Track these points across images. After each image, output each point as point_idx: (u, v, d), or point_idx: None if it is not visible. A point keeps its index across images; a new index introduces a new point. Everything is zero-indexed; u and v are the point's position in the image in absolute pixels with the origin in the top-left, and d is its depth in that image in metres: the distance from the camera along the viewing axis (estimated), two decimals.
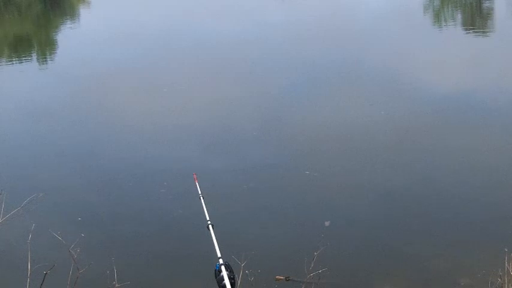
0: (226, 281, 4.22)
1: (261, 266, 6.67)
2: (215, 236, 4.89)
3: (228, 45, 19.11)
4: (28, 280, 5.54)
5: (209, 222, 5.05)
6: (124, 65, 17.51)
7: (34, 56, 21.26)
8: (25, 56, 21.01)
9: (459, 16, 23.10)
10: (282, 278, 6.97)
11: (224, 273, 4.31)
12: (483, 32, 19.46)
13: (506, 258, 6.06)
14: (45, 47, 22.86)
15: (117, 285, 6.07)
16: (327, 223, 8.13)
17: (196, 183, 5.76)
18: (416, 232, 7.89)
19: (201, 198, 5.47)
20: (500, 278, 6.07)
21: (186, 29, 22.54)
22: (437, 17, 22.67)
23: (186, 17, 25.45)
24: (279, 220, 8.42)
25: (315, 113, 12.27)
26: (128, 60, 17.99)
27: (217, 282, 4.33)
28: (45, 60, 20.08)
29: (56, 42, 23.94)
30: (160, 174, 10.00)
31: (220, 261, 4.48)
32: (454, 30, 20.08)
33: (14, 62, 19.97)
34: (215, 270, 4.43)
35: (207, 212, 5.27)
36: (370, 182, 9.24)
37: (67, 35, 24.70)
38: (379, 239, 7.80)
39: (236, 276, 4.67)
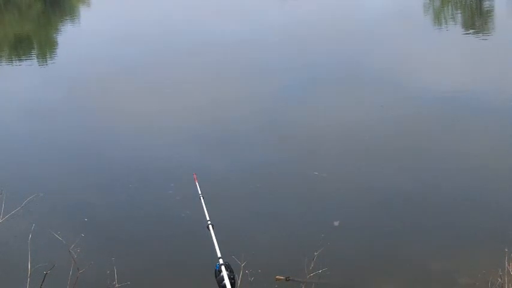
0: (226, 281, 4.21)
1: (261, 266, 6.67)
2: (215, 236, 4.88)
3: (229, 45, 19.11)
4: (28, 280, 5.54)
5: (209, 222, 5.04)
6: (125, 65, 17.51)
7: (34, 55, 21.26)
8: (25, 56, 21.02)
9: (459, 16, 23.09)
10: (282, 278, 6.97)
11: (224, 273, 4.29)
12: (483, 33, 19.45)
13: (506, 258, 6.05)
14: (45, 47, 22.86)
15: (117, 285, 6.07)
16: (336, 223, 8.12)
17: (197, 183, 5.74)
18: (416, 232, 7.88)
19: (201, 198, 5.45)
20: (501, 278, 6.07)
21: (187, 29, 22.54)
22: (438, 18, 22.67)
23: (187, 17, 25.46)
24: (279, 220, 8.42)
25: (319, 114, 12.26)
26: (128, 60, 18.00)
27: (217, 282, 4.31)
28: (46, 60, 20.09)
29: (56, 41, 23.95)
30: (160, 174, 10.01)
31: (221, 261, 4.46)
32: (454, 31, 20.07)
33: (13, 62, 19.97)
34: (215, 270, 4.41)
35: (207, 212, 5.26)
36: (371, 183, 9.23)
37: (67, 35, 24.73)
38: (379, 239, 7.79)
39: (236, 276, 4.66)
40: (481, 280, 6.47)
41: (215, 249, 4.61)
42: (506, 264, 6.04)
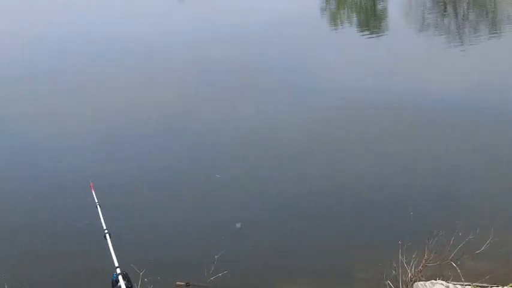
0: None
1: (160, 273, 6.61)
2: (112, 245, 4.81)
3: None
4: None
5: (106, 231, 4.97)
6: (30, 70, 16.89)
7: None
8: None
9: (355, 18, 23.68)
10: (182, 283, 6.91)
11: (121, 283, 4.24)
12: (378, 34, 20.06)
13: (399, 250, 6.26)
14: None
15: None
16: (238, 225, 8.13)
17: (93, 192, 5.64)
18: (320, 232, 7.96)
19: (98, 206, 5.36)
20: (395, 270, 6.28)
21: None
22: (334, 20, 23.19)
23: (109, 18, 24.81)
24: (180, 226, 8.33)
25: (225, 116, 12.23)
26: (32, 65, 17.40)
27: None
28: None
29: None
30: (54, 183, 9.74)
31: (118, 270, 4.41)
32: (350, 33, 20.55)
33: None
34: (112, 281, 4.36)
35: (104, 220, 5.18)
36: (275, 186, 9.29)
37: None
38: (280, 240, 7.86)
39: (135, 285, 4.62)
40: (376, 272, 6.62)
41: (112, 259, 4.54)
42: (400, 256, 6.26)
